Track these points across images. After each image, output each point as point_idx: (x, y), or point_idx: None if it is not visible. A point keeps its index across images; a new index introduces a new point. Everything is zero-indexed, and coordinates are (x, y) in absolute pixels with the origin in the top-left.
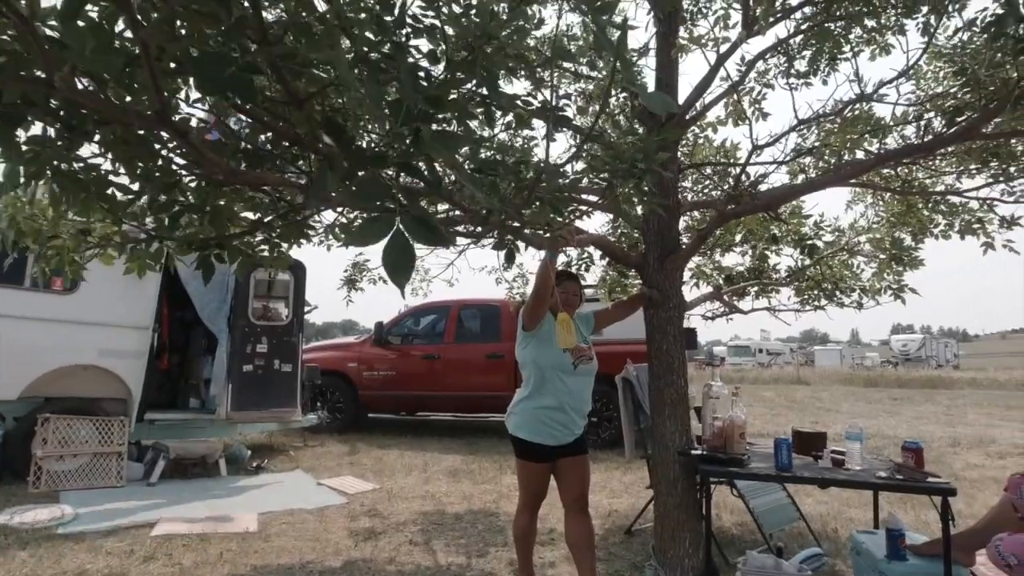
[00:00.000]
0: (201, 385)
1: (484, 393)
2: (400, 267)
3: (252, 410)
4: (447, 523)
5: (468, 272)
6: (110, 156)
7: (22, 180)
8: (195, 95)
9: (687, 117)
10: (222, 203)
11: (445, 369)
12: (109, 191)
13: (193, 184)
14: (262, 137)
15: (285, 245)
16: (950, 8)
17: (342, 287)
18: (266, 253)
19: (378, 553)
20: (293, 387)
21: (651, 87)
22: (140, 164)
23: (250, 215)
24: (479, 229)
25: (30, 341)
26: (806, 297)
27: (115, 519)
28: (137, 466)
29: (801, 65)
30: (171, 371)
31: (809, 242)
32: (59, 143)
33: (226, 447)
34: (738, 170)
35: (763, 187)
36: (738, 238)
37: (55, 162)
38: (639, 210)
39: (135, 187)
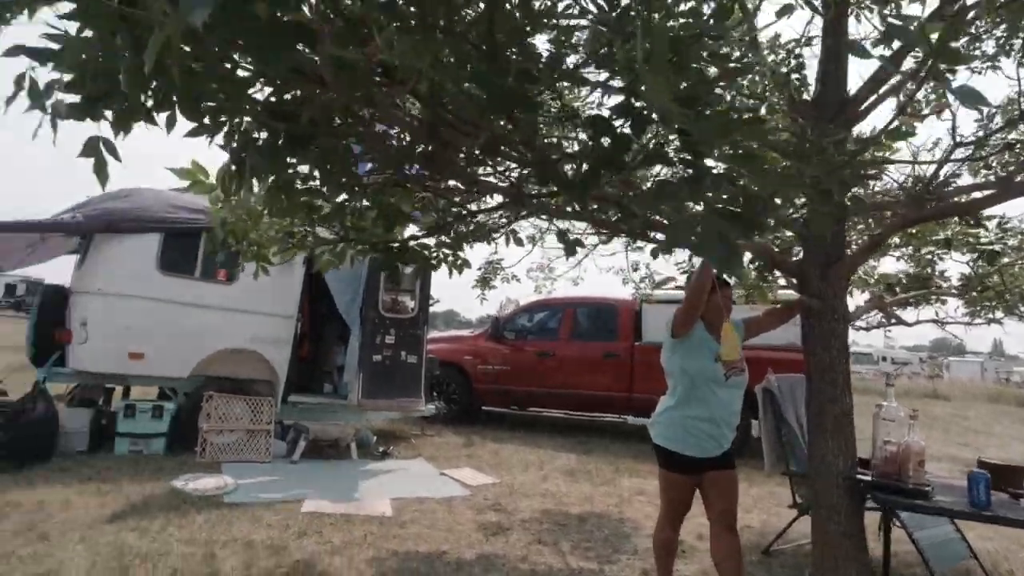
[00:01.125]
0: (334, 372)
1: (598, 392)
2: (730, 259)
3: (381, 398)
4: (571, 524)
5: (594, 271)
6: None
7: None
8: None
9: (860, 109)
10: (391, 201)
11: (559, 366)
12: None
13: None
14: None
15: (456, 247)
16: None
17: (476, 285)
18: (436, 256)
19: (510, 550)
20: (418, 378)
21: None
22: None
23: (410, 215)
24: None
25: (198, 325)
26: (979, 308)
27: (268, 492)
28: (281, 444)
29: (989, 46)
30: (308, 358)
31: (990, 247)
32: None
33: (356, 432)
34: (926, 169)
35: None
36: (896, 240)
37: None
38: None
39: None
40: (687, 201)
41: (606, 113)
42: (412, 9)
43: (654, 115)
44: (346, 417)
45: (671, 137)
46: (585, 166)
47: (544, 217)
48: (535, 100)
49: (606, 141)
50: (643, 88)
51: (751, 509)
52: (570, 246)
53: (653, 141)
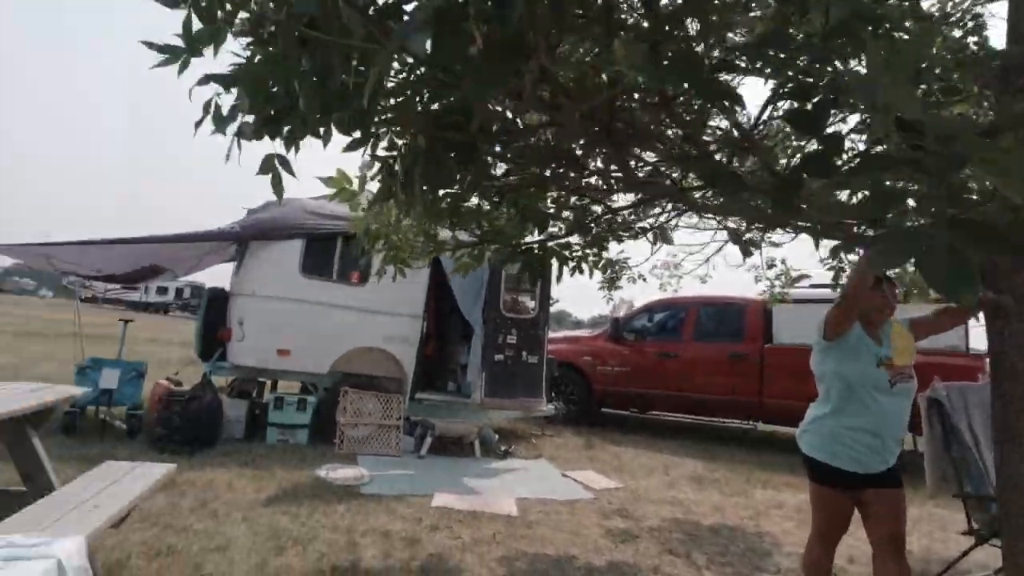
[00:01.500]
0: (458, 370)
1: (725, 396)
2: (960, 282)
3: (503, 397)
4: (703, 536)
5: (723, 269)
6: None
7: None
8: None
9: None
10: (527, 202)
11: (682, 368)
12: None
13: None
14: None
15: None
16: None
17: (603, 285)
18: (576, 255)
19: (640, 559)
20: (539, 378)
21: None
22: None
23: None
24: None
25: (335, 325)
26: None
27: (400, 485)
28: (408, 439)
29: None
30: (433, 357)
31: None
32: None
33: (479, 430)
34: None
35: None
36: None
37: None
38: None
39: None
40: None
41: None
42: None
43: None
44: (469, 415)
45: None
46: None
47: (709, 216)
48: (736, 92)
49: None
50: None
51: (909, 532)
52: (745, 247)
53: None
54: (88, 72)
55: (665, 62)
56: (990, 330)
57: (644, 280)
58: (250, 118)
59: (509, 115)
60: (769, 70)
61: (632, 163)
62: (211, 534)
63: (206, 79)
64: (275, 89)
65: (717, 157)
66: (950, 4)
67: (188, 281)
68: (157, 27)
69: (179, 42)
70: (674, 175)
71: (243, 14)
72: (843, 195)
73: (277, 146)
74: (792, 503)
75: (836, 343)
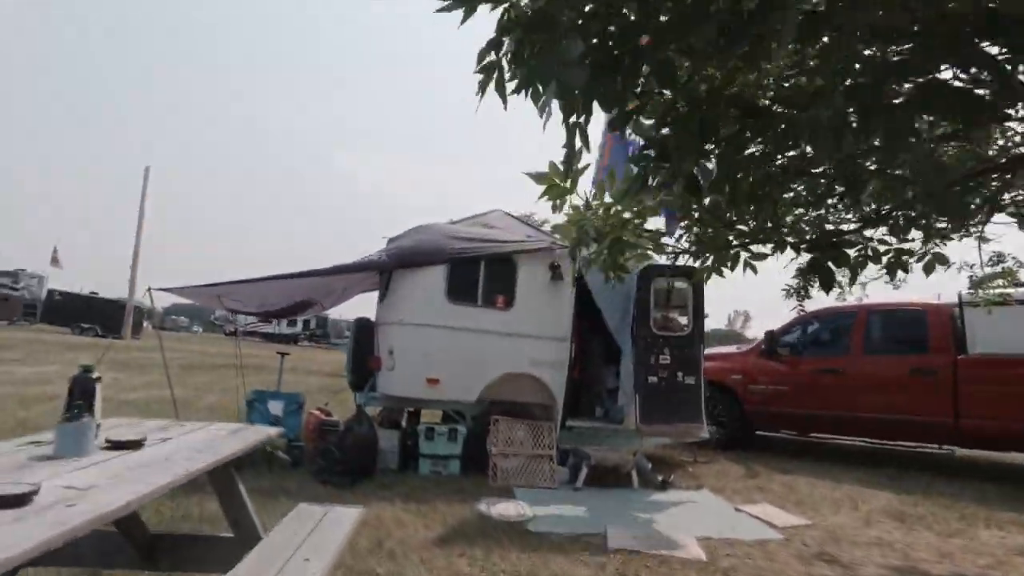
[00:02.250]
0: (603, 395)
1: (906, 416)
2: None
3: (659, 423)
4: None
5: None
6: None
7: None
8: None
9: None
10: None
11: (851, 385)
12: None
13: None
14: None
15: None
16: None
17: (791, 295)
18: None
19: None
20: (698, 400)
21: None
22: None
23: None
24: None
25: (482, 351)
26: None
27: (566, 522)
28: (563, 470)
29: None
30: (579, 381)
31: None
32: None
33: (633, 458)
34: None
35: None
36: None
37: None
38: None
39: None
40: None
41: None
42: None
43: None
44: (620, 442)
45: None
46: None
47: None
48: None
49: None
50: None
51: None
52: None
53: None
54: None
55: None
56: None
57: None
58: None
59: None
60: None
61: None
62: None
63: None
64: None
65: None
66: None
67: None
68: None
69: None
70: None
71: None
72: None
73: None
74: None
75: None
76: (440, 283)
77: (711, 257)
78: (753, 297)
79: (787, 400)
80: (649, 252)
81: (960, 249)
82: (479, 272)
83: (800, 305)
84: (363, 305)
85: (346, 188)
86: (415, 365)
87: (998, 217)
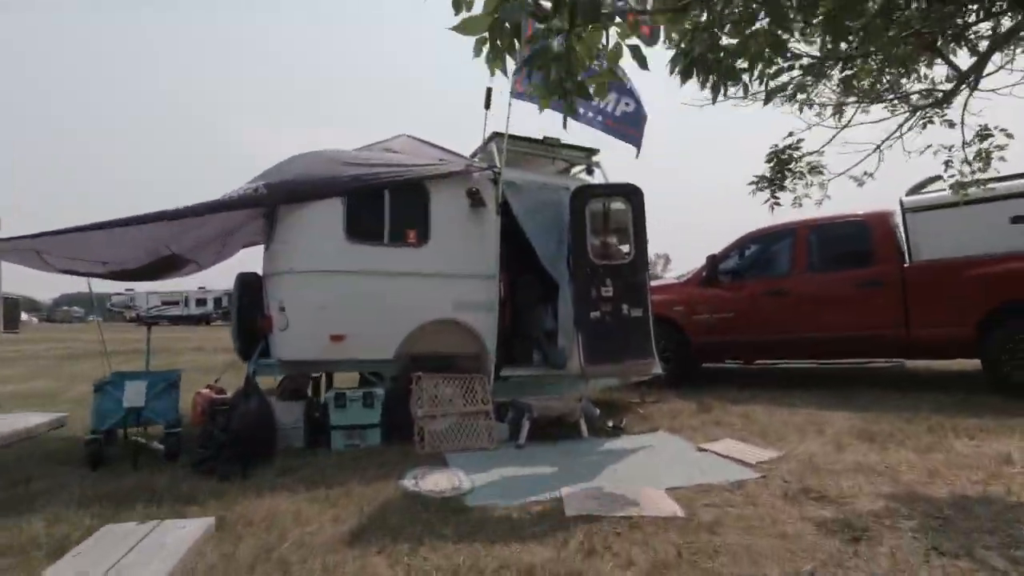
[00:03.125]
0: (541, 338)
1: (856, 333)
2: None
3: (607, 363)
4: (952, 517)
5: (899, 158)
6: None
7: None
8: None
9: None
10: None
11: (798, 305)
12: None
13: None
14: None
15: None
16: None
17: (759, 185)
18: None
19: (904, 568)
20: (647, 334)
21: None
22: None
23: None
24: None
25: (396, 298)
26: None
27: (512, 490)
28: (502, 426)
29: None
30: (509, 325)
31: None
32: None
33: (579, 405)
34: None
35: None
36: None
37: None
38: None
39: None
40: None
41: None
42: None
43: None
44: (565, 389)
45: None
46: None
47: None
48: None
49: None
50: None
51: None
52: None
53: None
54: None
55: None
56: None
57: (822, 173)
58: None
59: None
60: None
61: None
62: None
63: None
64: None
65: None
66: None
67: (226, 289)
68: None
69: None
70: None
71: None
72: None
73: None
74: (1020, 455)
75: None
76: (336, 220)
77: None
78: (674, 240)
79: (733, 328)
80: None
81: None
82: (383, 204)
83: (775, 199)
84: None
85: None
86: (313, 321)
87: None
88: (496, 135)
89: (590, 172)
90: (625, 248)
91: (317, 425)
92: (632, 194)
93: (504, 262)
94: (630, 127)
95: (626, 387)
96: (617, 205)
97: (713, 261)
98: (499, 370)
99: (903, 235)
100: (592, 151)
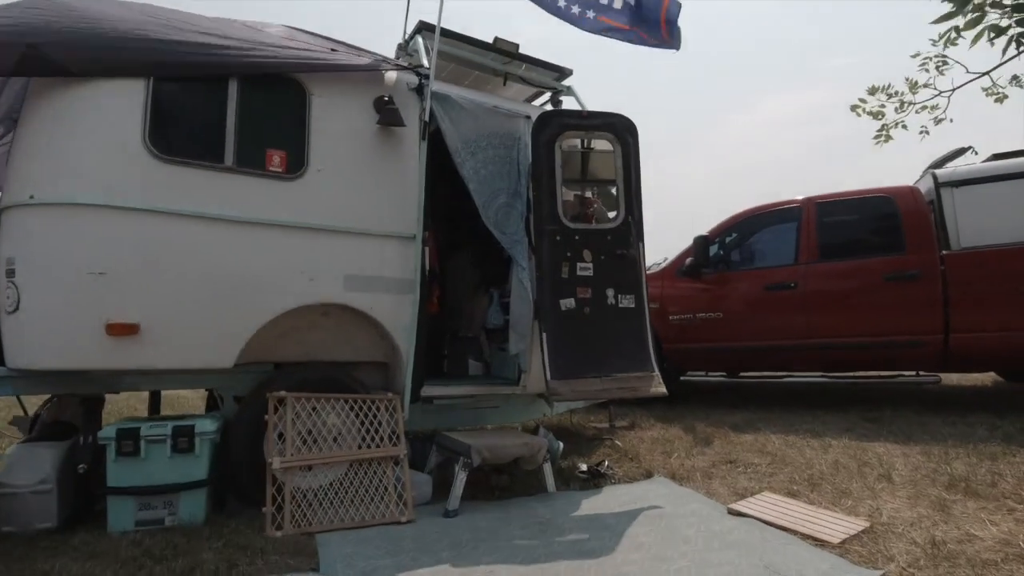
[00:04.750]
0: (483, 338)
1: (886, 338)
2: None
3: (584, 376)
4: None
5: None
6: None
7: None
8: None
9: None
10: None
11: (807, 304)
12: None
13: None
14: None
15: None
16: None
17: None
18: None
19: None
20: (641, 333)
21: None
22: None
23: None
24: None
25: (244, 264)
26: None
27: None
28: (422, 479)
29: None
30: (438, 314)
31: None
32: None
33: (546, 445)
34: None
35: None
36: None
37: None
38: None
39: None
40: None
41: None
42: None
43: None
44: (517, 415)
45: None
46: None
47: None
48: None
49: None
50: None
51: None
52: None
53: None
54: None
55: None
56: None
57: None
58: None
59: None
60: None
61: None
62: None
63: None
64: None
65: None
66: None
67: None
68: None
69: None
70: None
71: None
72: None
73: None
74: None
75: None
76: (131, 115)
77: None
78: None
79: (721, 331)
80: None
81: None
82: (227, 101)
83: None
84: None
85: None
86: (73, 298)
87: None
88: (424, 27)
89: (556, 102)
90: (612, 211)
91: (86, 487)
92: (624, 130)
93: (431, 218)
94: (644, 21)
95: (591, 408)
96: (602, 145)
97: (704, 244)
98: (419, 388)
99: (939, 214)
100: (563, 71)
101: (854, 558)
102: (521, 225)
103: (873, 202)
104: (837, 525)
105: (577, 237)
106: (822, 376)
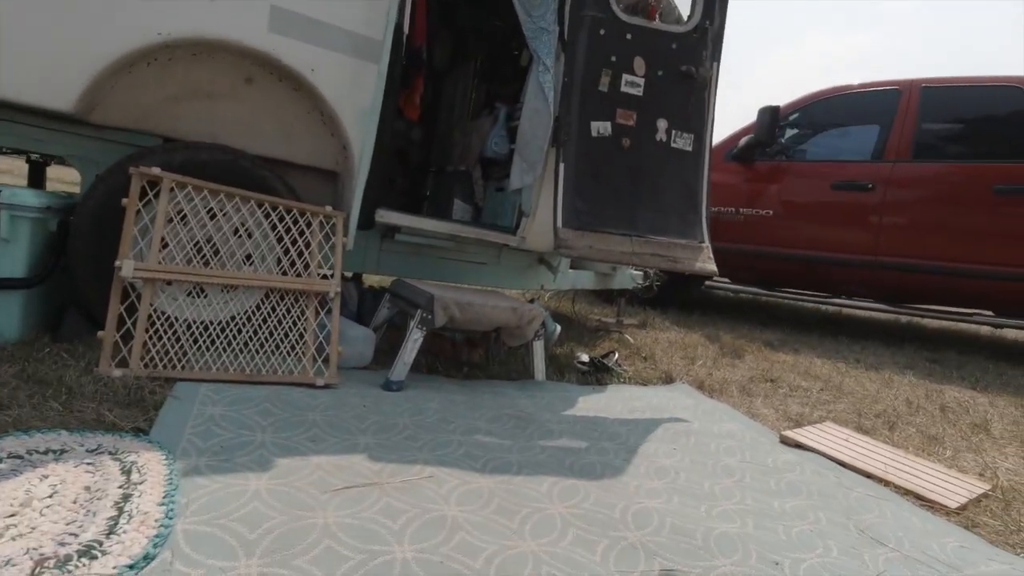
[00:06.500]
0: (475, 174)
1: (985, 266)
2: None
3: (612, 230)
4: None
5: None
6: None
7: None
8: None
9: None
10: None
11: (886, 210)
12: None
13: None
14: None
15: None
16: None
17: None
18: None
19: None
20: (696, 188)
21: None
22: None
23: None
24: None
25: None
26: None
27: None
28: (361, 334)
29: None
30: (420, 124)
31: None
32: None
33: (532, 310)
34: None
35: None
36: None
37: None
38: None
39: None
40: None
41: None
42: None
43: None
44: (509, 275)
45: None
46: None
47: None
48: None
49: None
50: None
51: None
52: None
53: None
54: None
55: None
56: None
57: None
58: None
59: None
60: None
61: None
62: None
63: None
64: None
65: None
66: None
67: None
68: None
69: None
70: None
71: None
72: None
73: None
74: None
75: None
76: None
77: None
78: None
79: (768, 233)
80: None
81: None
82: None
83: None
84: None
85: None
86: None
87: None
88: None
89: None
90: (679, 8)
91: None
92: None
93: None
94: None
95: (596, 296)
96: None
97: (772, 118)
98: (374, 208)
99: None
100: None
101: (986, 534)
102: (553, 7)
103: (997, 92)
104: (949, 483)
105: (629, 36)
106: (885, 308)
